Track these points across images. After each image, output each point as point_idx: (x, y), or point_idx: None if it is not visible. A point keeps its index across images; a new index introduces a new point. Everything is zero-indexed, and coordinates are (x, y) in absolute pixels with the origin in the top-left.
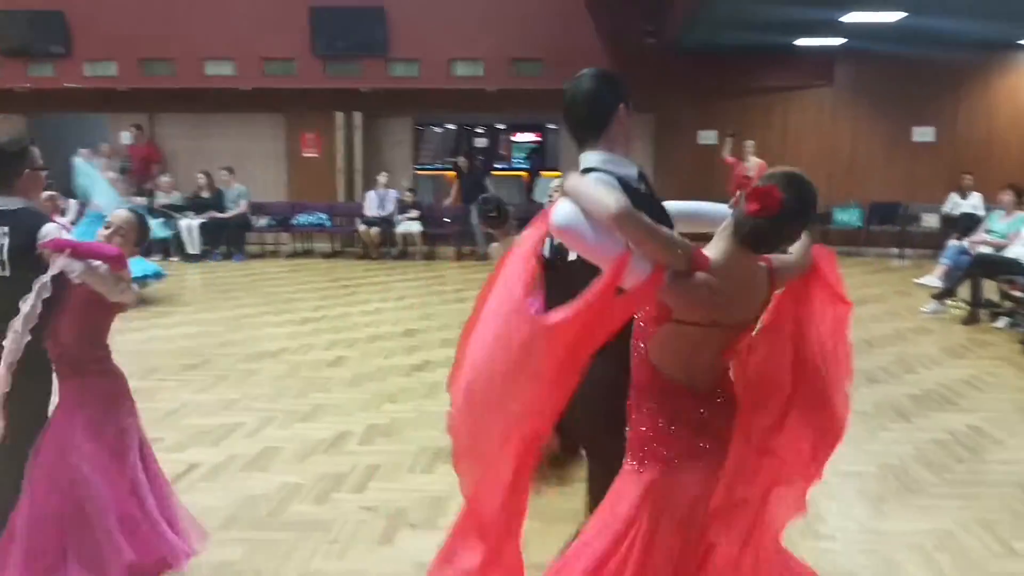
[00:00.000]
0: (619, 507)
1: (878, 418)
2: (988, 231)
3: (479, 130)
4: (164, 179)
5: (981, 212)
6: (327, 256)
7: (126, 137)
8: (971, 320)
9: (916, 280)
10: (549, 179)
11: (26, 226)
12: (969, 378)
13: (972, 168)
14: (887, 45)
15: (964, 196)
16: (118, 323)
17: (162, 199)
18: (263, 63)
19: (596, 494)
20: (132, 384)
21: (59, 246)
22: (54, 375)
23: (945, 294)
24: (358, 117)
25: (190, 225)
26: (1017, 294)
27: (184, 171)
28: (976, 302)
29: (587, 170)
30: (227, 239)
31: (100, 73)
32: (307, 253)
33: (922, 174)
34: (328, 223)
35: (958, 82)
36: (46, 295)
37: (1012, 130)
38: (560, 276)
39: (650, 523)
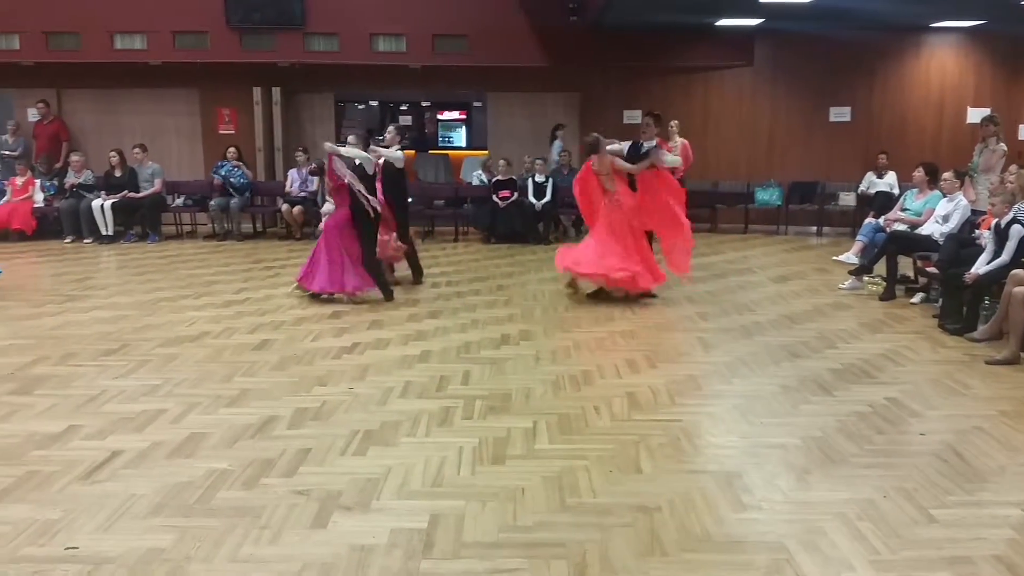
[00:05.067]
0: None
1: (801, 391)
2: (903, 209)
3: (403, 107)
4: (74, 157)
5: (896, 190)
6: (248, 237)
7: (32, 114)
8: (887, 296)
9: (834, 257)
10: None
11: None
12: (887, 352)
13: (887, 147)
14: (804, 25)
15: (880, 175)
16: (31, 309)
17: (72, 178)
18: (175, 36)
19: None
20: (47, 369)
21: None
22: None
23: (862, 271)
24: (277, 92)
25: (103, 205)
26: (931, 270)
27: (95, 149)
28: (892, 278)
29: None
30: (141, 219)
31: (3, 46)
32: (227, 234)
33: (839, 153)
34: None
35: (873, 63)
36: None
37: (925, 110)
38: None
39: None
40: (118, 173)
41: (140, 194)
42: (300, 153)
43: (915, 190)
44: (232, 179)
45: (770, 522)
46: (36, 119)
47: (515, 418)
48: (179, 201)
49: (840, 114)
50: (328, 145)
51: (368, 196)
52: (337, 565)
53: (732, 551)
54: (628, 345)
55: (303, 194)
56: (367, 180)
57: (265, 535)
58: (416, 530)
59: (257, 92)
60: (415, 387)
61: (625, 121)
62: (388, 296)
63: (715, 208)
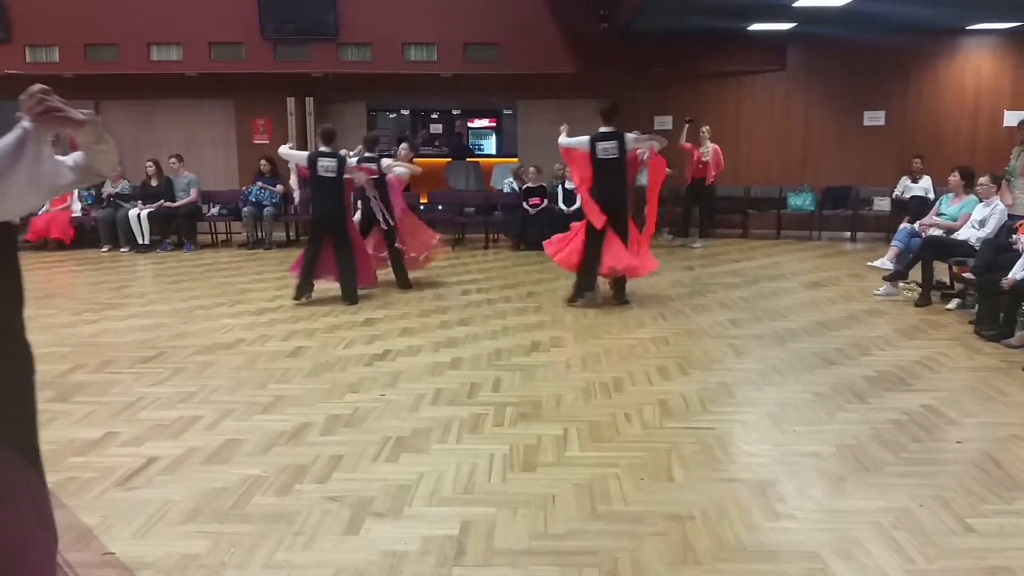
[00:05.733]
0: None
1: (835, 399)
2: (939, 214)
3: (434, 115)
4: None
5: (931, 195)
6: (281, 245)
7: None
8: (923, 302)
9: (869, 263)
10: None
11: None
12: (923, 359)
13: (922, 152)
14: (838, 29)
15: (915, 179)
16: (69, 317)
17: (110, 188)
18: (211, 47)
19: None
20: (85, 377)
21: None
22: None
23: (897, 276)
24: (310, 102)
25: (139, 215)
26: (967, 276)
27: (131, 159)
28: (927, 284)
29: (619, 133)
30: (177, 229)
31: (43, 59)
32: (259, 243)
33: (873, 158)
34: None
35: (908, 66)
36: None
37: (960, 114)
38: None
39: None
40: (154, 183)
41: (176, 203)
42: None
43: (951, 195)
44: (263, 201)
45: (804, 531)
46: None
47: (546, 425)
48: (214, 210)
49: (874, 118)
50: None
51: (295, 187)
52: (370, 571)
53: (766, 560)
54: (659, 352)
55: None
56: (315, 178)
57: (299, 541)
58: (448, 537)
59: (291, 102)
60: (446, 394)
61: (656, 127)
62: (296, 295)
63: (747, 213)
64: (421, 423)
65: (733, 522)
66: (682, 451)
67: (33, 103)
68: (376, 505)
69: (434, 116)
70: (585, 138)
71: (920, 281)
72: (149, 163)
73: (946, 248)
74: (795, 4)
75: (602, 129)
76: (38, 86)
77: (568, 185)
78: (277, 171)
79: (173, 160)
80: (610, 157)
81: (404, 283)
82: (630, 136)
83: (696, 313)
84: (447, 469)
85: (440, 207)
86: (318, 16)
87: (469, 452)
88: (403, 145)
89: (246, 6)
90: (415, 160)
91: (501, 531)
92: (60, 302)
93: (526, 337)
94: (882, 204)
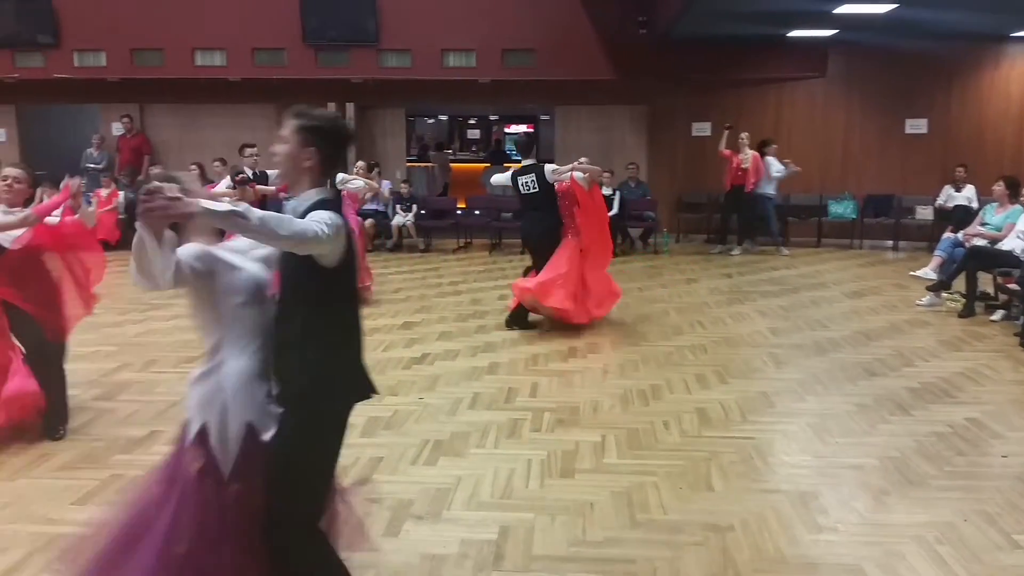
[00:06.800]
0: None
1: (878, 411)
2: (983, 224)
3: (471, 121)
4: (155, 171)
5: (975, 204)
6: None
7: (117, 128)
8: (967, 313)
9: (912, 272)
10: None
11: None
12: (966, 371)
13: (965, 160)
14: (879, 37)
15: (958, 188)
16: (115, 316)
17: None
18: (254, 53)
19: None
20: (130, 376)
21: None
22: None
23: (940, 287)
24: (350, 108)
25: None
26: (1012, 287)
27: (175, 162)
28: (971, 295)
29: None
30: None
31: (90, 63)
32: None
33: (916, 166)
34: None
35: (950, 74)
36: None
37: (1004, 122)
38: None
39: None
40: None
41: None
42: (363, 164)
43: (995, 204)
44: None
45: (847, 544)
46: (120, 133)
47: (583, 431)
48: None
49: (916, 126)
50: None
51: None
52: (409, 573)
53: (807, 573)
54: (697, 360)
55: (374, 207)
56: None
57: (339, 541)
58: (486, 541)
59: (331, 108)
60: (484, 398)
61: (694, 134)
62: None
63: (787, 221)
64: (459, 427)
65: (774, 533)
66: (721, 460)
67: (139, 206)
68: (415, 508)
69: (472, 121)
70: (507, 174)
71: (964, 292)
72: (193, 166)
73: (991, 258)
74: (836, 11)
75: (524, 163)
76: (151, 185)
77: (605, 191)
78: None
79: (217, 164)
80: (530, 191)
81: None
82: (548, 167)
83: (735, 321)
84: (485, 473)
85: (477, 212)
86: (359, 23)
87: (507, 457)
88: (359, 163)
89: (289, 13)
90: (451, 165)
91: (540, 537)
92: (106, 302)
93: (563, 343)
94: (925, 213)
